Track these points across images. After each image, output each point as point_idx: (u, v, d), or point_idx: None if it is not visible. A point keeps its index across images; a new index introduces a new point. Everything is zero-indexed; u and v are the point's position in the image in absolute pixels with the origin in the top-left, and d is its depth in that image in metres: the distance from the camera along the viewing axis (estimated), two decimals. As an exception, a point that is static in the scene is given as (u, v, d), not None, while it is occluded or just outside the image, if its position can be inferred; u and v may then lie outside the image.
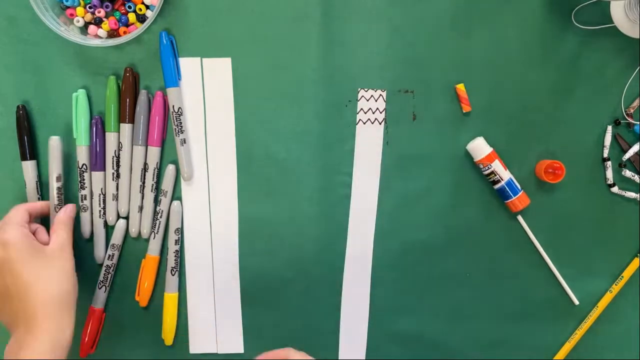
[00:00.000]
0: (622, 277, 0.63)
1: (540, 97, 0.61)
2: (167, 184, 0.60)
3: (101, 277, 0.61)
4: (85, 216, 0.60)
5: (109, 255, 0.61)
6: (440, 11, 0.60)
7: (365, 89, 0.60)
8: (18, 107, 0.59)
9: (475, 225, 0.62)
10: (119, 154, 0.60)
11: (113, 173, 0.60)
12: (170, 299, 0.61)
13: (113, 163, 0.60)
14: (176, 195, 0.61)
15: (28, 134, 0.59)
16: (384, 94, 0.60)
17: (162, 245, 0.61)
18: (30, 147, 0.60)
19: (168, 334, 0.62)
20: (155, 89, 0.60)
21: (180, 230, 0.61)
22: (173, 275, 0.61)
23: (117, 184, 0.60)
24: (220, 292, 0.62)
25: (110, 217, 0.61)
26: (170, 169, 0.60)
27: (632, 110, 0.62)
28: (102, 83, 0.60)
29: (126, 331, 0.63)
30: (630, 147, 0.62)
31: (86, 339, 0.61)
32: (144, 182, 0.60)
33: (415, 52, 0.60)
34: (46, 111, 0.60)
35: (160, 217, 0.60)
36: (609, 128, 0.61)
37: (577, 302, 0.63)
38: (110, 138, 0.59)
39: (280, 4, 0.60)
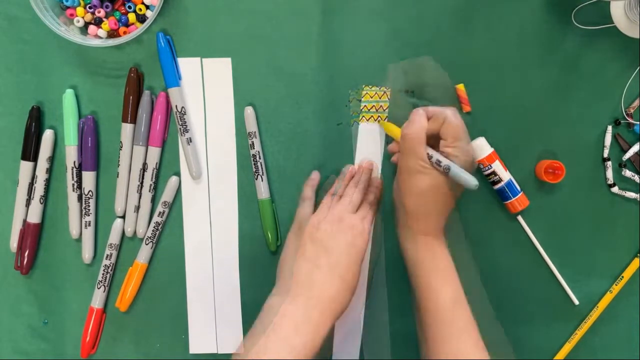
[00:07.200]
0: (622, 277, 0.63)
1: (540, 97, 0.61)
2: (168, 195, 0.60)
3: (100, 277, 0.61)
4: (73, 217, 0.61)
5: (107, 255, 0.61)
6: (440, 11, 0.60)
7: (370, 86, 0.61)
8: (32, 107, 0.59)
9: (475, 225, 0.62)
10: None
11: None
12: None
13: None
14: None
15: (37, 135, 0.59)
16: (389, 91, 0.61)
17: (152, 255, 0.61)
18: (34, 148, 0.60)
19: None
20: (158, 90, 0.60)
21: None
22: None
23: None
24: (220, 292, 0.62)
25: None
26: (173, 180, 0.60)
27: (632, 110, 0.61)
28: (102, 83, 0.60)
29: (126, 331, 0.63)
30: (630, 147, 0.62)
31: (87, 339, 0.61)
32: (142, 182, 0.60)
33: (415, 52, 0.60)
34: (46, 112, 0.60)
35: (160, 227, 0.61)
36: (609, 128, 0.61)
37: (577, 302, 0.63)
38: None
39: (279, 3, 0.60)
